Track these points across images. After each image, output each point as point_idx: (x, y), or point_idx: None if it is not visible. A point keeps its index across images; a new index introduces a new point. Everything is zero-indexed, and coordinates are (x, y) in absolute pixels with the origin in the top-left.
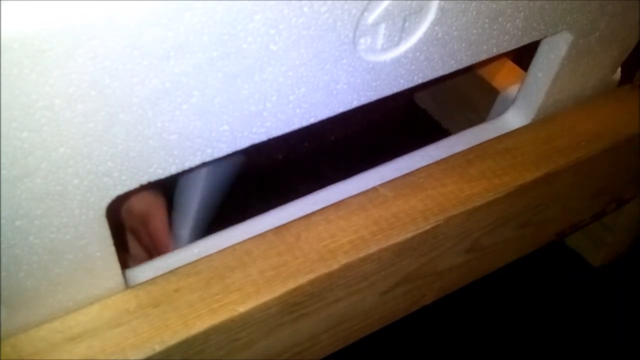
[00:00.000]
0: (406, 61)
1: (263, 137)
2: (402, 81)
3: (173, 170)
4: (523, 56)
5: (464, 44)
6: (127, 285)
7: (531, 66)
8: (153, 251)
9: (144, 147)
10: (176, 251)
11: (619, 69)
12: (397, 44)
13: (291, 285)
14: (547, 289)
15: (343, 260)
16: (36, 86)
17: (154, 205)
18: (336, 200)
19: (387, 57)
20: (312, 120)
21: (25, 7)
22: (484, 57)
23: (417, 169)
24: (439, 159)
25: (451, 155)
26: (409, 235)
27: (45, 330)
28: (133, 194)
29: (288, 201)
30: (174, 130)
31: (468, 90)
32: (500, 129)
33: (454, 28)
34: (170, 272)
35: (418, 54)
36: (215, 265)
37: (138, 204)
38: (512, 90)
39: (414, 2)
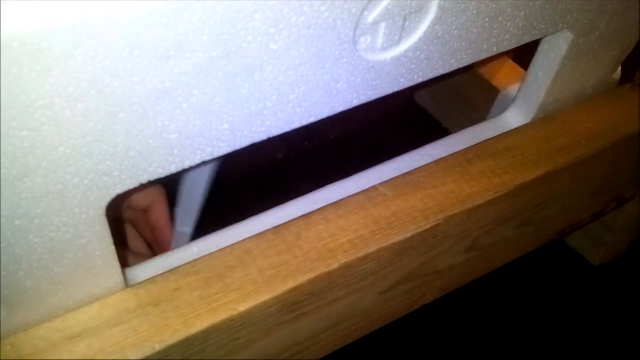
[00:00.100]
0: (406, 60)
1: (263, 136)
2: (402, 80)
3: (173, 169)
4: (523, 55)
5: (464, 43)
6: (127, 284)
7: (531, 65)
8: (153, 244)
9: (144, 147)
10: (176, 250)
11: (619, 68)
12: (398, 43)
13: (291, 284)
14: (547, 289)
15: (343, 259)
16: (36, 85)
17: (155, 197)
18: (336, 200)
19: (388, 56)
20: (312, 119)
21: (25, 6)
22: (484, 56)
23: (417, 168)
24: (439, 158)
25: (451, 155)
26: (409, 234)
27: (45, 330)
28: (133, 192)
29: (288, 200)
30: (174, 130)
31: (468, 89)
32: (500, 128)
33: (454, 27)
34: (170, 271)
35: (418, 53)
36: (215, 264)
37: (138, 195)
38: (513, 89)
39: (414, 1)
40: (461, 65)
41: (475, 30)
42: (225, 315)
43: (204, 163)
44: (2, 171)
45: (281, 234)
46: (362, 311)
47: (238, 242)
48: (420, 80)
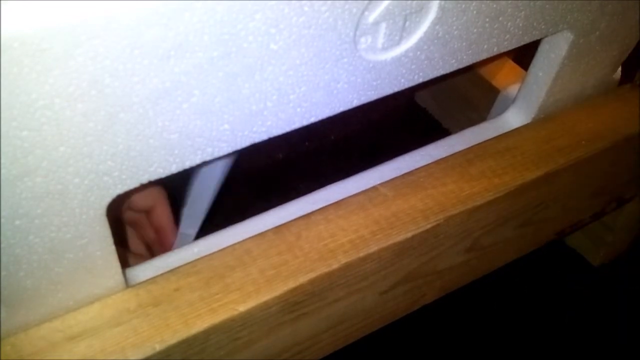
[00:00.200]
0: (407, 60)
1: (263, 137)
2: (402, 80)
3: (173, 169)
4: (523, 55)
5: (464, 43)
6: (128, 284)
7: (532, 65)
8: (155, 244)
9: (145, 147)
10: (176, 250)
11: (620, 69)
12: (398, 43)
13: (291, 284)
14: (547, 289)
15: (343, 259)
16: (36, 85)
17: (156, 198)
18: (336, 200)
19: (388, 56)
20: (313, 119)
21: (25, 6)
22: (484, 56)
23: (417, 169)
24: (439, 158)
25: (451, 155)
26: (409, 234)
27: (45, 330)
28: (133, 192)
29: (288, 200)
30: (174, 130)
31: (468, 89)
32: (500, 128)
33: (454, 27)
34: (171, 271)
35: (419, 53)
36: (215, 264)
37: (139, 196)
38: (513, 89)
39: (415, 1)
40: (461, 66)
41: (475, 30)
42: (225, 315)
43: (214, 164)
44: (2, 171)
45: (281, 233)
46: (362, 311)
47: (238, 242)
48: (421, 80)
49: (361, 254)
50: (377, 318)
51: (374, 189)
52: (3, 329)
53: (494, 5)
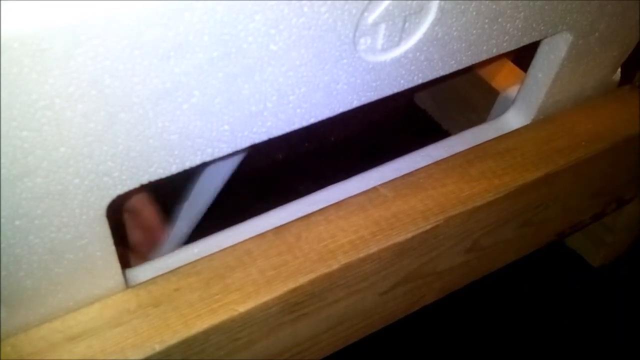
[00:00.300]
0: (406, 61)
1: (263, 137)
2: (402, 81)
3: (173, 169)
4: (523, 57)
5: (463, 44)
6: (128, 284)
7: (531, 67)
8: (142, 244)
9: (145, 147)
10: (176, 251)
11: (619, 70)
12: (397, 44)
13: (291, 285)
14: (547, 289)
15: (343, 260)
16: (36, 85)
17: (142, 198)
18: (336, 201)
19: (387, 57)
20: (312, 120)
21: (25, 6)
22: (484, 57)
23: (417, 169)
24: (439, 159)
25: (451, 156)
26: (409, 235)
27: (45, 330)
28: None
29: (288, 201)
30: (174, 130)
31: (468, 90)
32: (500, 129)
33: (454, 28)
34: (171, 271)
35: (418, 54)
36: (215, 265)
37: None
38: (512, 90)
39: (414, 2)
40: (461, 67)
41: (474, 31)
42: (225, 316)
43: (218, 165)
44: (2, 171)
45: (281, 234)
46: (362, 312)
47: (238, 243)
48: (420, 81)
49: (361, 255)
50: (377, 318)
51: (374, 189)
52: (3, 329)
53: (493, 7)
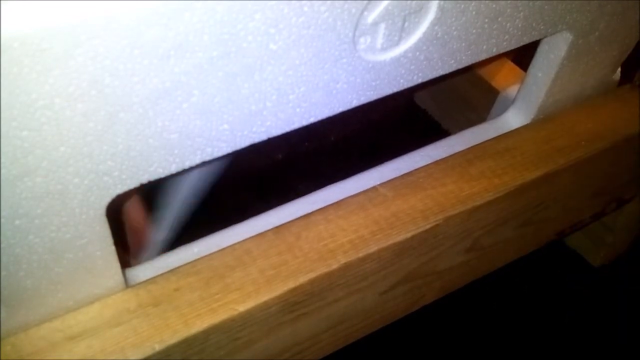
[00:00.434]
0: (406, 61)
1: (263, 137)
2: (401, 81)
3: (173, 169)
4: (523, 56)
5: (463, 44)
6: (127, 284)
7: (531, 66)
8: (129, 243)
9: (145, 146)
10: (176, 250)
11: (619, 69)
12: (397, 43)
13: (291, 284)
14: (547, 289)
15: (343, 259)
16: (36, 85)
17: (130, 198)
18: (336, 200)
19: (387, 57)
20: (312, 119)
21: (25, 6)
22: (483, 56)
23: (416, 169)
24: (438, 158)
25: (451, 155)
26: (409, 234)
27: (45, 330)
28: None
29: (288, 201)
30: (174, 130)
31: (468, 90)
32: (500, 128)
33: (453, 28)
34: (171, 271)
35: (418, 53)
36: (215, 264)
37: None
38: (512, 90)
39: (414, 1)
40: (461, 66)
41: (474, 30)
42: (225, 315)
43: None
44: (3, 171)
45: (281, 234)
46: (362, 311)
47: (238, 242)
48: (420, 80)
49: (361, 254)
50: (376, 318)
51: (373, 189)
52: (3, 329)
53: (493, 6)
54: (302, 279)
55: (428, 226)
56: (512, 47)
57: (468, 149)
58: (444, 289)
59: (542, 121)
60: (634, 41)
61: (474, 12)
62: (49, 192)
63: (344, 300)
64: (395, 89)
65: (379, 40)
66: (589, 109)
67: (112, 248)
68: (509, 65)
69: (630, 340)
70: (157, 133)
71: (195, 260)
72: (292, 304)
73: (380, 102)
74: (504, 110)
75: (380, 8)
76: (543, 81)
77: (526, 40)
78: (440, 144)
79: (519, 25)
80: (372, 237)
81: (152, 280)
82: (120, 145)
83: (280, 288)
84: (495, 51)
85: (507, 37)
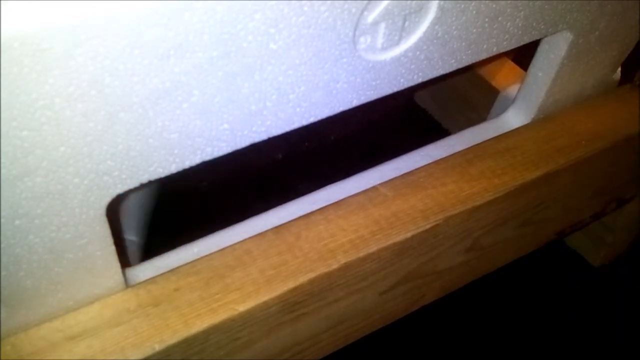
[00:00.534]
0: (406, 60)
1: (263, 136)
2: (402, 80)
3: (173, 169)
4: (523, 56)
5: (464, 43)
6: (127, 284)
7: (531, 66)
8: None
9: (145, 146)
10: (176, 250)
11: (619, 69)
12: (397, 43)
13: (291, 284)
14: (547, 289)
15: (343, 259)
16: (36, 85)
17: None
18: (336, 200)
19: (387, 56)
20: (312, 119)
21: (25, 6)
22: (484, 56)
23: (417, 169)
24: (438, 158)
25: (451, 155)
26: (409, 234)
27: (45, 330)
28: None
29: (288, 201)
30: (174, 129)
31: (468, 89)
32: (500, 128)
33: (453, 27)
34: (171, 271)
35: (418, 53)
36: (215, 264)
37: None
38: (512, 89)
39: (414, 1)
40: (461, 66)
41: (474, 30)
42: (225, 315)
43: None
44: (3, 171)
45: (281, 234)
46: (362, 311)
47: (238, 242)
48: (420, 80)
49: (361, 254)
50: (376, 318)
51: (373, 189)
52: (3, 329)
53: (493, 6)
54: (302, 279)
55: (428, 226)
56: (513, 47)
57: (468, 148)
58: (444, 289)
59: (542, 121)
60: (634, 41)
61: (474, 12)
62: (49, 192)
63: (344, 300)
64: (395, 89)
65: (379, 40)
66: (589, 108)
67: (112, 248)
68: (509, 65)
69: (630, 340)
70: (157, 133)
71: (195, 260)
72: (292, 304)
73: (380, 102)
74: (504, 109)
75: (380, 8)
76: (543, 81)
77: (526, 39)
78: (440, 144)
79: (519, 25)
80: (372, 237)
81: (152, 280)
82: (120, 145)
83: (280, 288)
84: (495, 51)
85: (507, 36)
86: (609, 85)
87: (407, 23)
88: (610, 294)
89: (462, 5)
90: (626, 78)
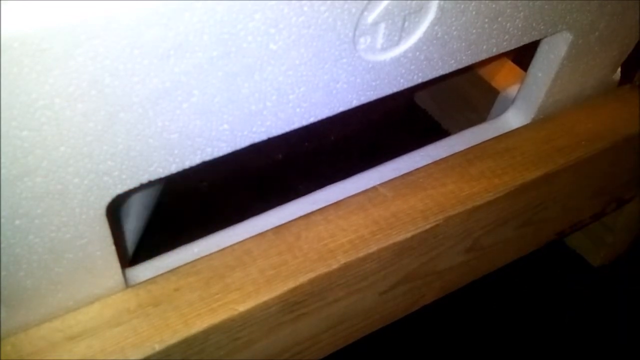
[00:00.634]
0: (406, 61)
1: (263, 136)
2: (401, 81)
3: (173, 169)
4: (523, 56)
5: (463, 44)
6: (127, 284)
7: (531, 66)
8: None
9: (145, 146)
10: (176, 250)
11: (619, 69)
12: (397, 43)
13: (291, 284)
14: (547, 289)
15: (343, 259)
16: (36, 85)
17: None
18: (336, 200)
19: (387, 57)
20: (312, 119)
21: (26, 6)
22: (483, 56)
23: (416, 169)
24: (438, 158)
25: (451, 155)
26: (409, 234)
27: (45, 330)
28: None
29: (288, 201)
30: (174, 130)
31: (468, 90)
32: (500, 128)
33: (453, 28)
34: (171, 271)
35: (418, 53)
36: (215, 264)
37: None
38: (512, 90)
39: (414, 1)
40: (461, 66)
41: (474, 30)
42: (225, 315)
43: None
44: (3, 171)
45: (281, 234)
46: (362, 311)
47: (238, 242)
48: (420, 80)
49: (361, 254)
50: (376, 318)
51: (373, 189)
52: (3, 329)
53: (493, 6)
54: (302, 279)
55: (428, 226)
56: (512, 47)
57: (468, 149)
58: (444, 289)
59: (542, 121)
60: (634, 41)
61: (474, 12)
62: (49, 192)
63: (344, 300)
64: (395, 89)
65: (379, 40)
66: (589, 109)
67: (112, 248)
68: (509, 65)
69: (630, 340)
70: (157, 133)
71: (195, 260)
72: (292, 304)
73: (380, 102)
74: (504, 110)
75: (380, 8)
76: (543, 81)
77: (526, 40)
78: (440, 144)
79: (519, 25)
80: (372, 237)
81: (152, 280)
82: (120, 145)
83: (280, 288)
84: (495, 51)
85: (507, 37)
86: (609, 85)
87: (406, 23)
88: (610, 294)
89: (462, 6)
90: (626, 78)
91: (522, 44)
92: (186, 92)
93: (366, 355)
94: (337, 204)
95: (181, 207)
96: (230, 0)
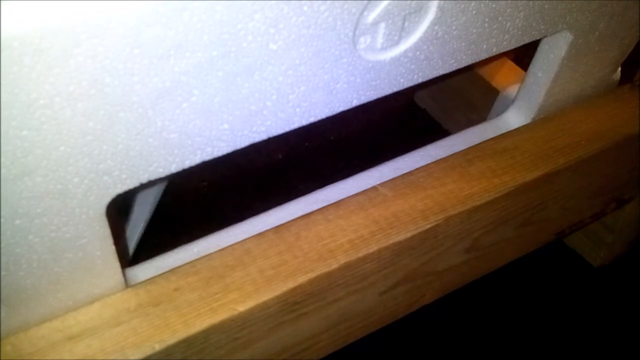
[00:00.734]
0: (406, 60)
1: (263, 136)
2: (402, 80)
3: (173, 169)
4: (523, 56)
5: (463, 43)
6: (127, 284)
7: (531, 66)
8: None
9: (144, 146)
10: (176, 250)
11: (619, 69)
12: (397, 43)
13: (291, 284)
14: (547, 289)
15: (343, 259)
16: (36, 85)
17: None
18: (336, 200)
19: (387, 56)
20: (312, 119)
21: (25, 5)
22: (483, 56)
23: (417, 169)
24: (438, 158)
25: (451, 155)
26: (409, 234)
27: (45, 329)
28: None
29: (288, 200)
30: (174, 129)
31: (468, 89)
32: (500, 128)
33: (453, 27)
34: (170, 271)
35: (418, 53)
36: (215, 264)
37: None
38: (512, 89)
39: (414, 1)
40: (461, 66)
41: (474, 30)
42: (225, 315)
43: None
44: (2, 170)
45: (281, 234)
46: (362, 311)
47: (238, 242)
48: (420, 80)
49: (361, 254)
50: (376, 318)
51: (373, 189)
52: (3, 329)
53: (493, 6)
54: (302, 279)
55: (428, 226)
56: (512, 47)
57: (468, 148)
58: (444, 289)
59: (542, 121)
60: (634, 41)
61: (474, 12)
62: (48, 191)
63: (344, 300)
64: (395, 89)
65: (379, 40)
66: (589, 108)
67: (112, 248)
68: (509, 65)
69: (630, 340)
70: (157, 133)
71: (195, 260)
72: (292, 304)
73: (381, 102)
74: (504, 109)
75: (380, 8)
76: (543, 81)
77: (526, 39)
78: (440, 144)
79: (519, 25)
80: (372, 237)
81: (152, 280)
82: (120, 144)
83: (280, 288)
84: (495, 51)
85: (507, 36)
86: (609, 85)
87: (406, 23)
88: (610, 294)
89: (462, 6)
90: (626, 78)
91: (522, 43)
92: (186, 91)
93: (366, 355)
94: (337, 203)
95: (181, 207)
96: (230, 0)
